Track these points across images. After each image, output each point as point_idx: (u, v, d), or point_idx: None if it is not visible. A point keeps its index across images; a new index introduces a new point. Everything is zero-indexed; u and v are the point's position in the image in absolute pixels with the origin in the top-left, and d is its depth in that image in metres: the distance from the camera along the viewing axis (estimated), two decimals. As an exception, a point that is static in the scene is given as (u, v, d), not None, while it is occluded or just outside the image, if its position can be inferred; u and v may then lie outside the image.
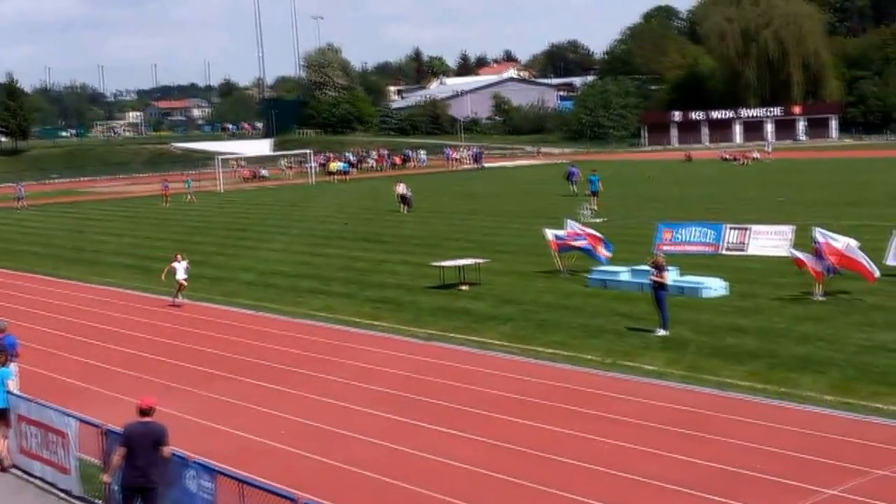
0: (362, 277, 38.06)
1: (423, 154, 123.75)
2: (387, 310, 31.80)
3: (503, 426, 19.63)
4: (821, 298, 29.49)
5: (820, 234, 30.22)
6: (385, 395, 22.32)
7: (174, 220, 67.28)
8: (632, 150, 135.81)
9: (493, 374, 23.63)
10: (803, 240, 33.73)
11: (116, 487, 15.15)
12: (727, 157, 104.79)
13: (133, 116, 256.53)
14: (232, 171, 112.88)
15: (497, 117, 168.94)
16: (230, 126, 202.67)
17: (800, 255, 30.72)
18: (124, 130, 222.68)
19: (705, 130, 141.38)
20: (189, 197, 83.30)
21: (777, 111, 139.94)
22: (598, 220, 49.66)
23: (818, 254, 29.85)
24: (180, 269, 33.64)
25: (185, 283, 33.97)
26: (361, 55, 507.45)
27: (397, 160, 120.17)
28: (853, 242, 30.40)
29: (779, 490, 15.70)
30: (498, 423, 19.89)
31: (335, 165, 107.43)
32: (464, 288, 34.31)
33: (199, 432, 19.85)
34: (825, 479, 15.95)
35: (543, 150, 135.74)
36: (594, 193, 58.64)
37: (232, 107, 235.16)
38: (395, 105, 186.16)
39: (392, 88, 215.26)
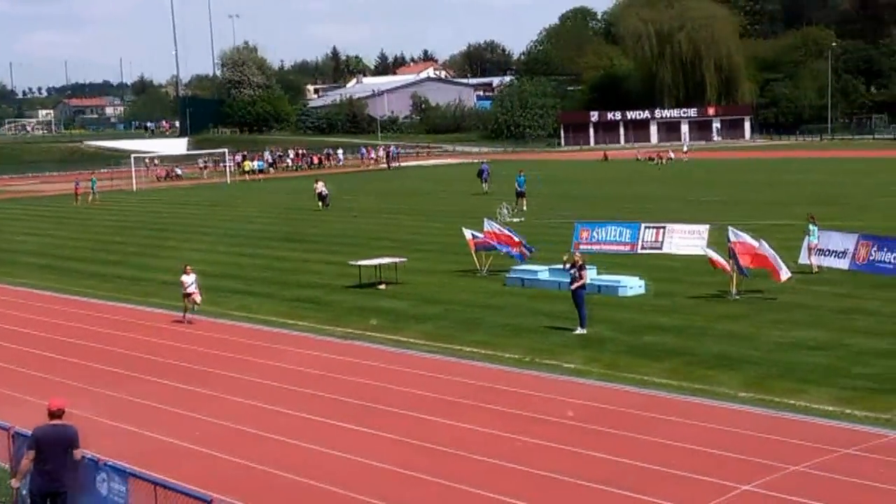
0: (283, 277, 37.76)
1: (340, 153, 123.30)
2: (306, 309, 31.58)
3: (423, 425, 19.56)
4: (736, 297, 29.84)
5: (733, 234, 30.57)
6: (303, 394, 22.14)
7: (93, 221, 66.19)
8: (549, 149, 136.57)
9: (413, 373, 23.56)
10: (718, 238, 34.09)
11: (25, 492, 14.76)
12: (641, 157, 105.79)
13: (44, 114, 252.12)
14: (146, 170, 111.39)
15: (415, 116, 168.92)
16: (149, 124, 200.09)
17: (714, 254, 31.10)
18: (34, 129, 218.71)
19: (622, 131, 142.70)
20: (93, 197, 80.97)
21: (692, 112, 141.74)
22: (516, 220, 49.82)
23: (732, 252, 30.20)
24: (189, 282, 30.13)
25: (196, 299, 30.23)
26: (279, 54, 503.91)
27: (315, 159, 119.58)
28: (765, 242, 30.77)
29: (694, 486, 15.82)
30: (417, 422, 19.82)
31: (250, 165, 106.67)
32: (383, 287, 34.19)
33: (111, 434, 19.50)
34: (740, 475, 16.11)
35: (461, 149, 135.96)
36: (521, 194, 58.75)
37: (147, 105, 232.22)
38: (312, 104, 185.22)
39: (310, 87, 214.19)
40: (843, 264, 33.82)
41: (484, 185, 71.54)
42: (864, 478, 15.88)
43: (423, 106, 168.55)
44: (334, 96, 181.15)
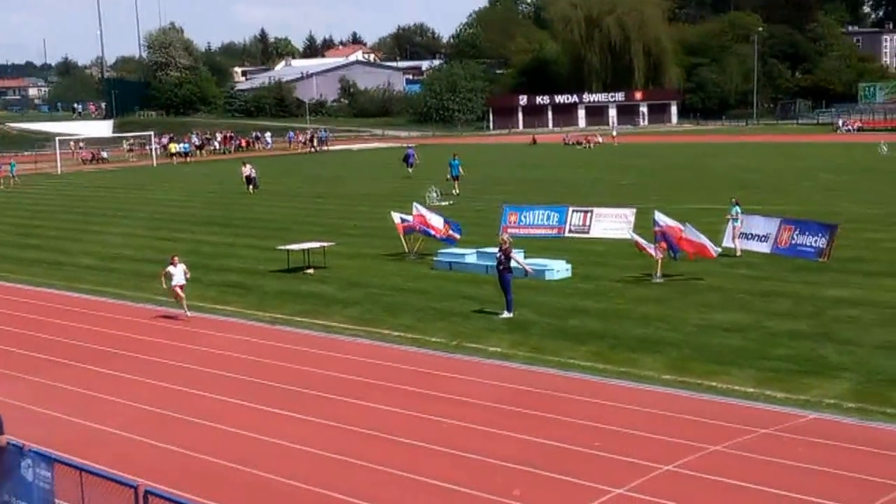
0: (208, 261, 37.49)
1: (268, 137, 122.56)
2: (232, 294, 31.44)
3: (349, 409, 19.61)
4: (660, 280, 30.21)
5: (659, 217, 30.95)
6: (229, 379, 22.07)
7: (13, 204, 65.24)
8: (478, 133, 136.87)
9: (339, 357, 23.58)
10: (645, 222, 34.46)
11: (-52, 479, 14.64)
12: (570, 141, 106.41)
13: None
14: (71, 152, 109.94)
15: (344, 100, 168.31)
16: (77, 105, 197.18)
17: (639, 238, 31.45)
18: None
19: (550, 115, 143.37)
20: (14, 180, 79.62)
21: (620, 96, 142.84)
22: (445, 203, 49.93)
23: (659, 236, 30.57)
24: (178, 273, 28.09)
25: (179, 291, 28.09)
26: (205, 35, 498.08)
27: (243, 142, 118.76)
28: (690, 226, 31.16)
29: (617, 467, 16.04)
30: (344, 405, 19.85)
31: (175, 147, 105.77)
32: (310, 272, 34.13)
33: (35, 420, 19.30)
34: (662, 456, 16.36)
35: (390, 133, 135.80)
36: (456, 178, 58.82)
37: (71, 87, 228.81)
38: (240, 87, 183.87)
39: (238, 70, 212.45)
40: (765, 248, 34.35)
41: (410, 169, 71.91)
42: (783, 457, 16.20)
43: (352, 90, 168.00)
44: (262, 79, 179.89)
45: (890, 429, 17.45)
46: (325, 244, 36.12)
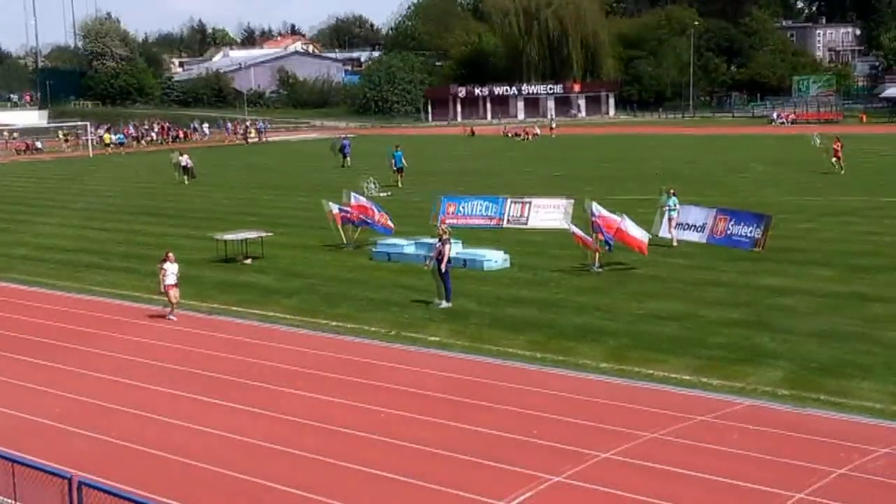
0: (143, 252, 37.06)
1: (206, 127, 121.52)
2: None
3: (286, 399, 19.52)
4: (598, 270, 30.37)
5: (596, 208, 31.08)
6: (165, 369, 21.88)
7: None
8: (416, 124, 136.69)
9: (277, 347, 23.46)
10: (582, 213, 34.58)
11: None
12: (508, 133, 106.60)
13: None
14: (5, 143, 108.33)
15: (282, 91, 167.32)
16: (12, 95, 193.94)
17: (577, 230, 31.57)
18: None
19: (488, 106, 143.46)
20: None
21: (557, 88, 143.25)
22: (383, 195, 49.81)
23: (595, 227, 30.71)
24: (171, 272, 26.56)
25: (172, 292, 26.52)
26: (140, 24, 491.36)
27: (180, 133, 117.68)
28: (627, 217, 31.34)
29: (554, 454, 16.11)
30: (281, 395, 19.76)
31: (110, 138, 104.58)
32: (247, 262, 33.91)
33: (-33, 412, 19.04)
34: (599, 443, 16.45)
35: (328, 124, 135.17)
36: (399, 170, 58.65)
37: (4, 76, 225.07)
38: (177, 77, 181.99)
39: (175, 60, 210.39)
40: (701, 238, 34.64)
41: (346, 159, 72.13)
42: (719, 444, 16.36)
43: (290, 80, 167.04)
44: (199, 69, 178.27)
45: (823, 415, 17.68)
46: (263, 234, 35.88)
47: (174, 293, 26.47)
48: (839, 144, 57.81)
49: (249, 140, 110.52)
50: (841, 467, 15.24)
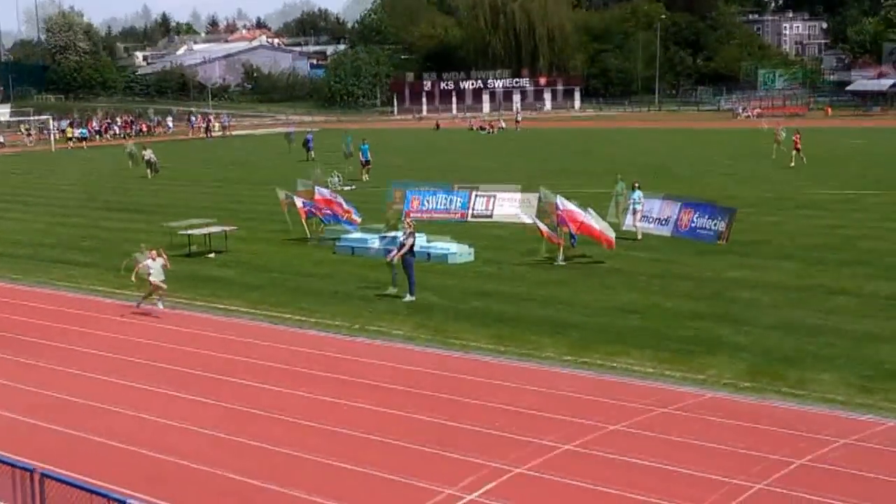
0: (107, 246, 36.86)
1: (170, 121, 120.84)
2: (131, 279, 30.87)
3: (250, 392, 19.42)
4: (562, 263, 30.40)
5: (560, 202, 31.10)
6: (130, 363, 21.73)
7: None
8: (382, 118, 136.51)
9: (242, 341, 23.35)
10: (545, 206, 34.58)
11: None
12: (474, 126, 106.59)
13: None
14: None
15: (247, 84, 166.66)
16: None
17: (541, 223, 31.60)
18: None
19: (455, 100, 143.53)
20: None
21: (524, 82, 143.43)
22: (348, 188, 49.69)
23: (560, 220, 30.74)
24: (157, 267, 26.21)
25: (162, 286, 26.41)
26: (94, 13, 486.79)
27: (144, 127, 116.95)
28: (592, 211, 31.39)
29: (516, 446, 16.11)
30: (244, 388, 19.67)
31: (72, 132, 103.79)
32: (212, 256, 33.74)
33: (-74, 408, 18.83)
34: (561, 435, 16.47)
35: (294, 118, 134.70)
36: (366, 162, 58.49)
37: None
38: (141, 70, 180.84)
39: (139, 54, 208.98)
40: (666, 231, 34.76)
41: (310, 153, 72.39)
42: (681, 435, 16.42)
43: (256, 74, 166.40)
44: (164, 63, 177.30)
45: (784, 406, 17.76)
46: (227, 228, 35.70)
47: (160, 284, 26.30)
48: (798, 136, 58.33)
49: (214, 134, 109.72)
50: (801, 458, 15.32)
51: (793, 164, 56.86)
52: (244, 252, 34.49)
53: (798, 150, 57.70)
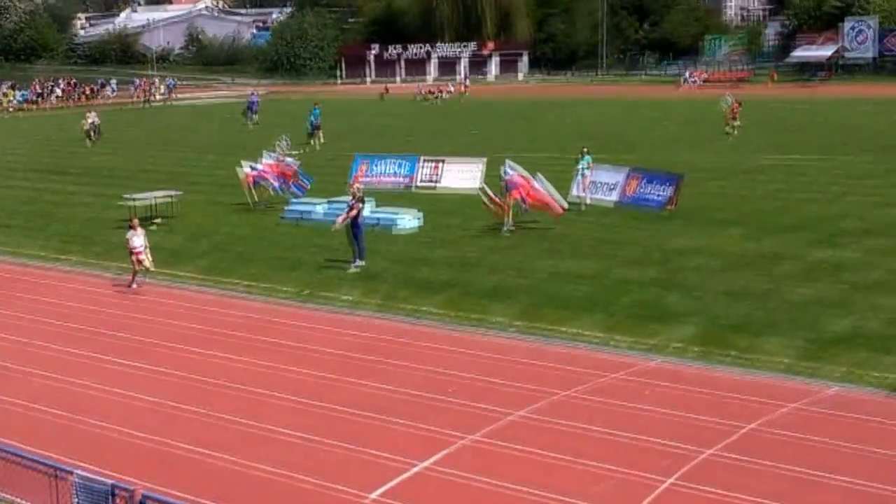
0: (49, 212, 36.40)
1: (113, 84, 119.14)
2: (75, 244, 30.56)
3: (195, 359, 19.26)
4: (511, 230, 30.35)
5: (509, 168, 31.01)
6: (70, 329, 21.49)
7: None
8: (328, 84, 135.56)
9: (187, 308, 23.18)
10: (495, 173, 34.55)
11: None
12: (423, 92, 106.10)
13: None
14: None
15: (191, 49, 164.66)
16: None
17: (489, 189, 31.53)
18: None
19: (401, 66, 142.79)
20: None
21: (471, 48, 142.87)
22: (295, 153, 49.29)
23: (509, 186, 30.63)
24: (137, 240, 25.15)
25: (145, 261, 25.09)
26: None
27: (87, 90, 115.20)
28: (541, 176, 31.33)
29: (469, 414, 16.10)
30: (189, 355, 19.51)
31: (12, 95, 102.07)
32: (157, 222, 33.34)
33: None
34: (511, 402, 16.46)
35: (238, 82, 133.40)
36: (316, 128, 57.98)
37: None
38: (83, 34, 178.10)
39: (80, 16, 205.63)
40: (614, 198, 34.79)
41: (254, 116, 72.09)
42: (631, 402, 16.47)
43: (199, 39, 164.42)
44: (106, 26, 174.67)
45: (733, 372, 17.88)
46: (172, 194, 35.27)
47: (142, 260, 24.89)
48: (737, 106, 58.45)
49: (159, 97, 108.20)
50: (750, 423, 15.41)
51: (734, 132, 56.73)
52: (190, 218, 34.13)
53: (734, 118, 57.58)
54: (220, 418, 16.17)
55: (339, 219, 26.74)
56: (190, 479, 13.94)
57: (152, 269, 25.21)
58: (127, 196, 34.76)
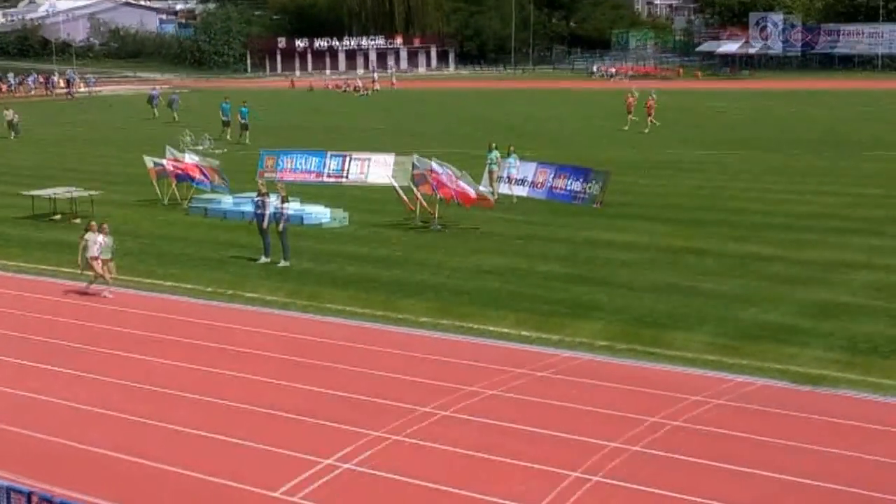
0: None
1: (30, 81, 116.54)
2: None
3: (111, 361, 18.88)
4: (436, 227, 30.25)
5: (436, 164, 30.87)
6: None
7: None
8: (236, 76, 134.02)
9: (99, 308, 22.76)
10: (420, 169, 34.38)
11: None
12: (349, 87, 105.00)
13: None
14: None
15: (97, 41, 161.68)
16: None
17: (412, 185, 31.43)
18: None
19: (310, 58, 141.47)
20: None
21: (398, 44, 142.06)
22: (201, 147, 48.58)
23: (435, 183, 30.49)
24: (94, 242, 23.45)
25: (101, 269, 23.51)
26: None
27: (3, 87, 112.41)
28: (467, 174, 31.21)
29: (380, 410, 15.99)
30: (105, 357, 19.13)
31: None
32: (77, 221, 32.54)
33: None
34: (438, 401, 16.33)
35: (147, 75, 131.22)
36: (244, 126, 57.27)
37: None
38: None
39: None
40: (539, 194, 34.84)
41: (154, 110, 72.24)
42: (552, 398, 16.44)
43: (109, 31, 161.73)
44: (8, 18, 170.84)
45: (656, 368, 17.96)
46: (91, 193, 34.51)
47: (99, 266, 23.45)
48: (632, 99, 58.59)
49: (73, 94, 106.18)
50: (673, 419, 15.47)
51: (647, 130, 56.93)
52: (109, 216, 33.42)
53: (630, 113, 57.76)
54: (140, 423, 15.83)
55: (279, 222, 26.31)
56: (98, 481, 13.70)
57: (110, 279, 23.70)
58: (35, 193, 34.08)
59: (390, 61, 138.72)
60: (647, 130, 56.37)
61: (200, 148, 46.87)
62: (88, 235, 23.56)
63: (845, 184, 36.64)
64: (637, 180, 38.53)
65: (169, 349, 19.63)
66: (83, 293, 24.01)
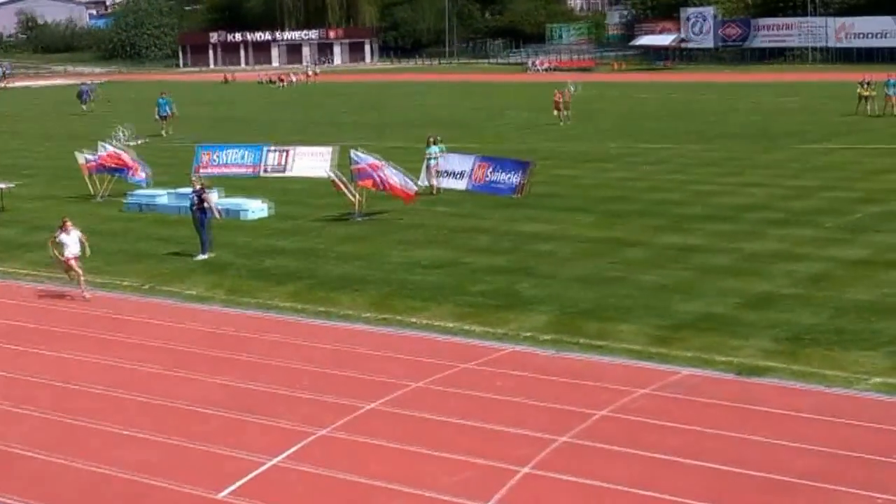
0: None
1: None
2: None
3: (30, 358, 18.49)
4: (361, 219, 29.98)
5: (357, 156, 30.57)
6: None
7: None
8: (169, 70, 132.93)
9: (21, 304, 22.35)
10: (343, 161, 34.14)
11: None
12: (265, 79, 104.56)
13: None
14: None
15: (23, 34, 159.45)
16: None
17: (336, 178, 31.10)
18: None
19: (244, 53, 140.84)
20: None
21: (314, 35, 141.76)
22: (140, 142, 48.00)
23: (361, 174, 30.18)
24: (72, 241, 22.58)
25: (75, 264, 22.55)
26: None
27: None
28: (391, 163, 30.95)
29: (319, 407, 15.72)
30: (23, 355, 18.72)
31: None
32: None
33: None
34: (364, 394, 16.12)
35: (75, 69, 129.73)
36: (163, 118, 56.43)
37: None
38: None
39: None
40: (463, 185, 34.61)
41: (83, 105, 71.30)
42: (483, 390, 16.29)
43: (32, 24, 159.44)
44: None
45: (585, 359, 17.83)
46: (4, 185, 33.88)
47: (74, 267, 22.56)
48: (560, 95, 58.21)
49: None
50: (603, 409, 15.35)
51: (568, 122, 56.75)
52: (25, 210, 32.86)
53: (560, 108, 57.58)
54: (60, 420, 15.43)
55: (217, 211, 26.03)
56: (25, 483, 13.36)
57: (83, 279, 22.71)
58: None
59: (306, 52, 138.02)
60: (566, 121, 56.33)
61: (140, 143, 46.17)
62: (62, 235, 22.53)
63: (782, 175, 36.74)
64: (562, 172, 38.46)
65: (85, 344, 19.22)
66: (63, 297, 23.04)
